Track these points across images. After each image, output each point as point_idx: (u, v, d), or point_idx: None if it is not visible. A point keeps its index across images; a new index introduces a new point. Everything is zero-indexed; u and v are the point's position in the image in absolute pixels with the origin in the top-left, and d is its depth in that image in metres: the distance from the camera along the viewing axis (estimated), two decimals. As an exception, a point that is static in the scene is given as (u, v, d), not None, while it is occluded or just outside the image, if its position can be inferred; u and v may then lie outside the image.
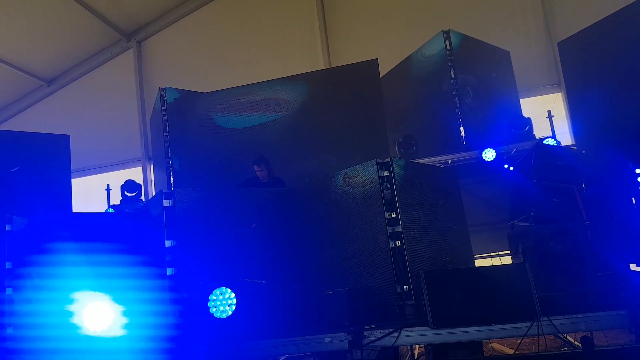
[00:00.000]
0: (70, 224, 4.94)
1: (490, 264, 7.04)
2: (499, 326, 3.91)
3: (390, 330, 4.08)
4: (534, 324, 3.82)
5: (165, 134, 8.25)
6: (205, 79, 11.30)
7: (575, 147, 7.34)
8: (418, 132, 8.09)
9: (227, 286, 4.61)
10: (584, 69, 6.99)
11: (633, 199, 4.42)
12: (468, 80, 7.80)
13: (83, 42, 12.67)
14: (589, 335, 4.23)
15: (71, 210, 7.65)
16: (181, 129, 7.97)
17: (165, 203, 4.85)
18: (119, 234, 4.97)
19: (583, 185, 5.63)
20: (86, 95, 13.12)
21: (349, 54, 10.90)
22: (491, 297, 4.01)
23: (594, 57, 6.79)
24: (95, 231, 4.88)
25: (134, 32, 12.91)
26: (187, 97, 8.18)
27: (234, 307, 4.56)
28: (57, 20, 11.66)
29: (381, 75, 8.06)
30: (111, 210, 8.47)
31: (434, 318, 3.96)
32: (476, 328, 3.93)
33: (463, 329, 3.94)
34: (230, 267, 5.00)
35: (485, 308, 3.96)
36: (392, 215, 4.81)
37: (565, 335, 4.39)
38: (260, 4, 12.30)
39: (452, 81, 7.61)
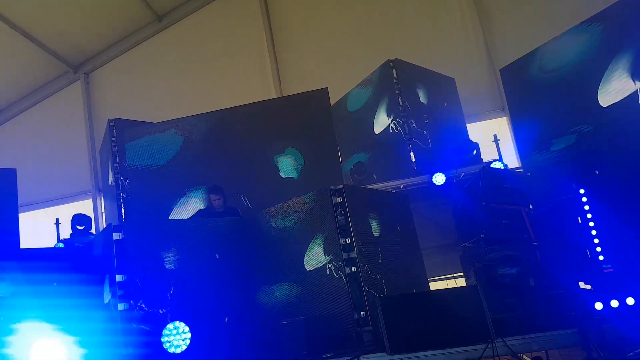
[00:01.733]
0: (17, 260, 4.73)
1: (446, 286, 7.13)
2: (455, 349, 3.94)
3: (348, 358, 4.06)
4: (489, 346, 3.87)
5: (115, 165, 8.04)
6: (155, 109, 11.06)
7: (521, 170, 7.59)
8: (370, 159, 8.20)
9: (181, 320, 4.49)
10: (524, 93, 7.31)
11: (579, 218, 4.55)
12: (416, 106, 7.98)
13: (28, 73, 12.29)
14: (542, 355, 4.32)
15: (19, 245, 7.28)
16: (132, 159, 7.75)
17: (115, 236, 4.73)
18: (69, 268, 4.80)
19: (530, 207, 5.82)
20: (33, 127, 12.68)
21: (299, 84, 11.00)
22: (446, 321, 4.06)
23: (532, 82, 7.12)
24: (44, 266, 4.67)
25: (82, 64, 12.64)
26: (137, 128, 7.99)
27: (188, 342, 4.44)
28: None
29: (332, 104, 8.13)
30: (61, 244, 8.14)
31: (391, 344, 3.96)
32: (433, 352, 3.94)
33: (420, 354, 3.95)
34: (185, 301, 4.87)
35: (441, 331, 4.00)
36: (347, 241, 4.84)
37: (522, 355, 4.47)
38: (209, 35, 12.29)
39: (400, 108, 7.77)
